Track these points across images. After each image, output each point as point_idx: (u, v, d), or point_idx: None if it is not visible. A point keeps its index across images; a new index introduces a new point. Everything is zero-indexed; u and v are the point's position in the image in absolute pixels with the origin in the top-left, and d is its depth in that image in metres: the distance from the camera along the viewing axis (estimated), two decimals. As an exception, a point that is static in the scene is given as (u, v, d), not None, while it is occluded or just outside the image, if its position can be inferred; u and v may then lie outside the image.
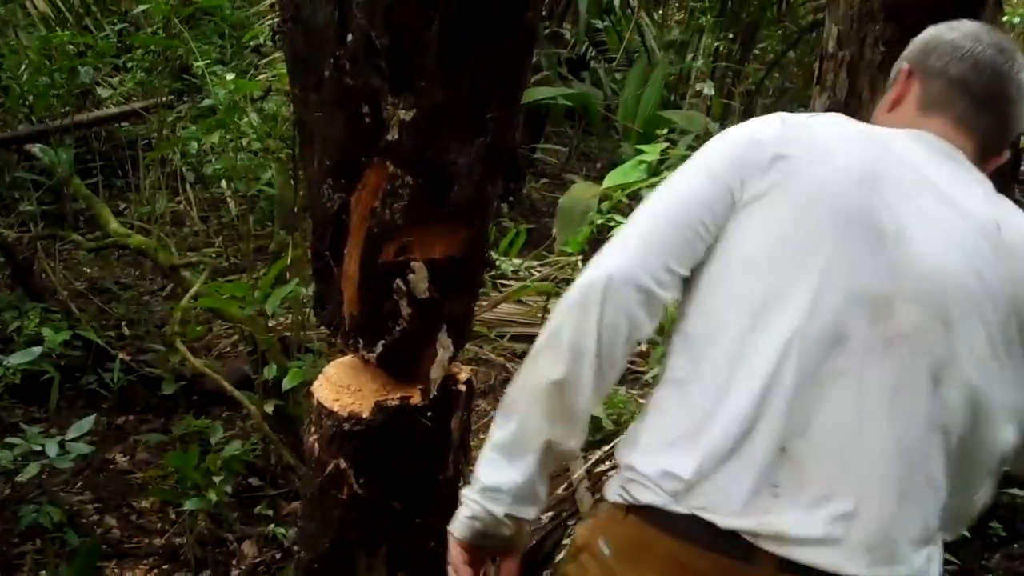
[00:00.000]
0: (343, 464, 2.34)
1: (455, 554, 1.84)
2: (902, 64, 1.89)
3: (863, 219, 1.61)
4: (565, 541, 1.93)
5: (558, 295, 5.80)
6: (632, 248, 1.67)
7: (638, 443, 1.69)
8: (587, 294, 1.64)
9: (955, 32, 1.84)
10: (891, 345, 1.58)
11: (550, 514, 3.59)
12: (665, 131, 6.10)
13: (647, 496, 1.62)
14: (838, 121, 1.77)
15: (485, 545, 1.81)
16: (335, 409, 2.33)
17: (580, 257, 6.18)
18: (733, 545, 1.56)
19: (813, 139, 1.69)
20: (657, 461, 1.63)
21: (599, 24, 10.56)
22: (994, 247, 1.65)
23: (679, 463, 1.60)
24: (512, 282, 6.04)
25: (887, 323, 1.58)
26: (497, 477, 1.76)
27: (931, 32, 1.88)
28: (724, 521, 1.56)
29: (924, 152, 1.73)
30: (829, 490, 1.57)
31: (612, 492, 1.71)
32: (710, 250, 1.68)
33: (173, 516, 3.96)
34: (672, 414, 1.66)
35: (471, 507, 1.79)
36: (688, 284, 1.70)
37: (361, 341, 2.31)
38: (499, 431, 1.78)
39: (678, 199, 1.70)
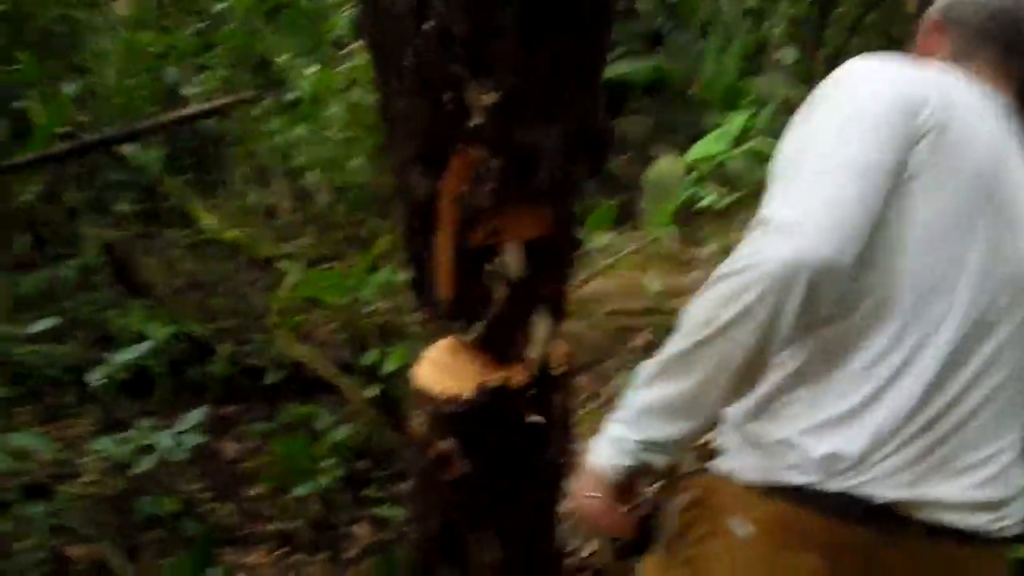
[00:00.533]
0: (447, 446, 2.38)
1: (603, 498, 1.76)
2: (929, 17, 1.90)
3: (1002, 194, 1.66)
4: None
5: (649, 269, 5.82)
6: (839, 227, 1.55)
7: (791, 417, 1.66)
8: (793, 279, 1.52)
9: None
10: (1021, 326, 1.68)
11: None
12: (746, 100, 6.05)
13: (798, 477, 1.61)
14: (952, 78, 1.74)
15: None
16: (436, 392, 2.36)
17: (668, 230, 6.17)
18: (886, 518, 1.59)
19: (961, 105, 1.68)
20: (821, 441, 1.60)
21: (675, -5, 10.48)
22: None
23: (846, 444, 1.59)
24: (602, 258, 6.05)
25: (1021, 306, 1.68)
26: (666, 432, 1.68)
27: None
28: (880, 496, 1.59)
29: (1004, 111, 1.76)
30: (974, 459, 1.64)
31: (746, 470, 1.69)
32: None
33: (285, 502, 4.03)
34: (833, 390, 1.63)
35: (631, 454, 1.71)
36: None
37: (458, 324, 2.35)
38: (671, 385, 1.67)
39: (865, 172, 1.59)
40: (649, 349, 1.73)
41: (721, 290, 1.58)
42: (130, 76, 6.27)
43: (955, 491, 1.61)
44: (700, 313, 1.62)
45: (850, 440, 1.59)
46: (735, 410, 1.73)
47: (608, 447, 1.74)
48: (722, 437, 1.79)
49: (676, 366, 1.65)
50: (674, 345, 1.65)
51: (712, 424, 1.75)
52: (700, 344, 1.61)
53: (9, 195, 5.42)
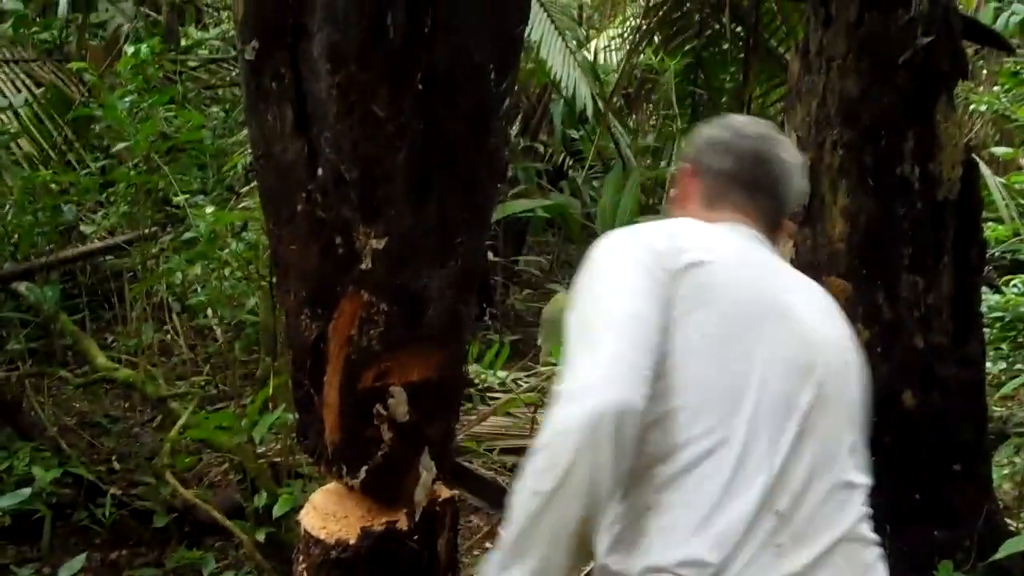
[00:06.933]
0: (333, 591, 2.35)
1: None
2: (684, 163, 2.06)
3: (769, 304, 1.79)
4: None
5: (545, 406, 5.81)
6: (621, 375, 1.64)
7: (648, 547, 1.69)
8: (595, 433, 1.58)
9: (723, 129, 2.04)
10: (825, 401, 1.76)
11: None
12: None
13: None
14: (696, 225, 1.90)
15: None
16: (322, 537, 2.34)
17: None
18: None
19: (703, 242, 1.81)
20: (679, 552, 1.65)
21: (574, 134, 10.75)
22: (828, 310, 1.93)
23: (704, 551, 1.63)
24: (499, 395, 6.06)
25: (816, 385, 1.76)
26: None
27: (704, 131, 2.07)
28: None
29: (755, 241, 1.92)
30: (814, 532, 1.69)
31: None
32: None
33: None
34: (681, 504, 1.68)
35: None
36: None
37: (344, 468, 2.33)
38: (520, 568, 1.67)
39: (634, 320, 1.70)
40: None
41: (537, 464, 1.63)
42: (29, 213, 6.23)
43: (802, 567, 1.66)
44: (524, 493, 1.66)
45: (706, 550, 1.63)
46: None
47: None
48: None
49: (519, 548, 1.67)
50: (510, 530, 1.68)
51: None
52: (532, 520, 1.64)
53: None
